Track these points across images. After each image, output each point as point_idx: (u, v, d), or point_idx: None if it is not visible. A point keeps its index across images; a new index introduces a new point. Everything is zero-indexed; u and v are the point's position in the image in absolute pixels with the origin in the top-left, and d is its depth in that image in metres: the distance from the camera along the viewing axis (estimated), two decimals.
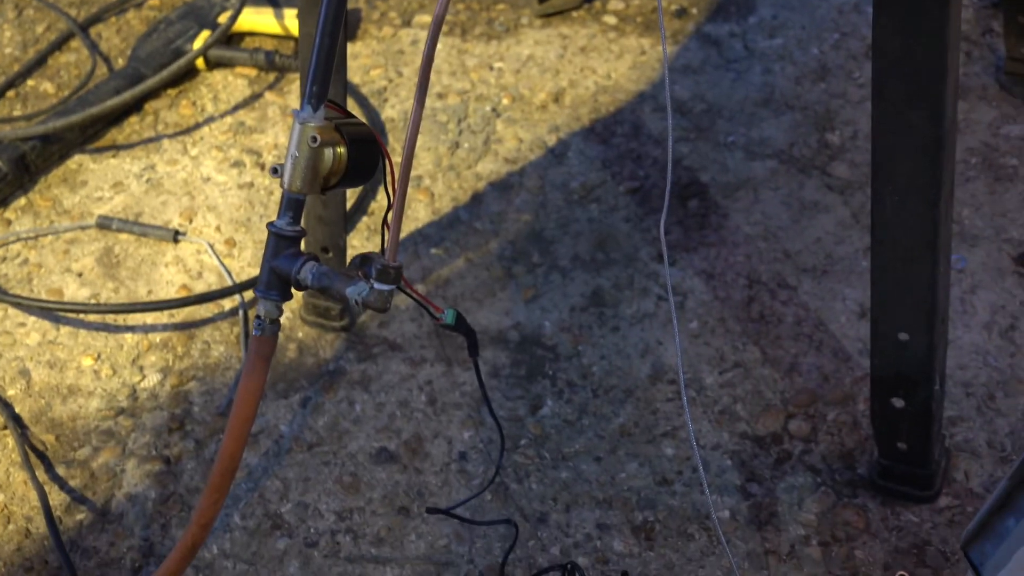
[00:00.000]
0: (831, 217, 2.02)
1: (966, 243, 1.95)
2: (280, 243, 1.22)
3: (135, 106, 2.33)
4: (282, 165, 1.20)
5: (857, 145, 2.15)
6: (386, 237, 1.25)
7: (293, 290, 1.26)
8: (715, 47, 2.42)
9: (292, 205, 1.21)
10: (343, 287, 1.20)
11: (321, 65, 1.19)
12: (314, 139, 1.18)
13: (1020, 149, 2.12)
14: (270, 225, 1.22)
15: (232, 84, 2.38)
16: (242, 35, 2.52)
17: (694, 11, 2.52)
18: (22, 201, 2.15)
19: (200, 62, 2.39)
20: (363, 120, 2.27)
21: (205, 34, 2.40)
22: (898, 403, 1.52)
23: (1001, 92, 2.24)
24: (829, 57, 2.37)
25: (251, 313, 1.92)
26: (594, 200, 2.09)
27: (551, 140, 2.21)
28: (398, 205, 1.20)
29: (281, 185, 1.21)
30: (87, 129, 2.25)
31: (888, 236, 1.42)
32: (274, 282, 1.22)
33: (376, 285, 1.19)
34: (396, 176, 1.28)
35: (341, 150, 1.22)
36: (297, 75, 2.39)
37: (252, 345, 1.25)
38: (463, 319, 1.37)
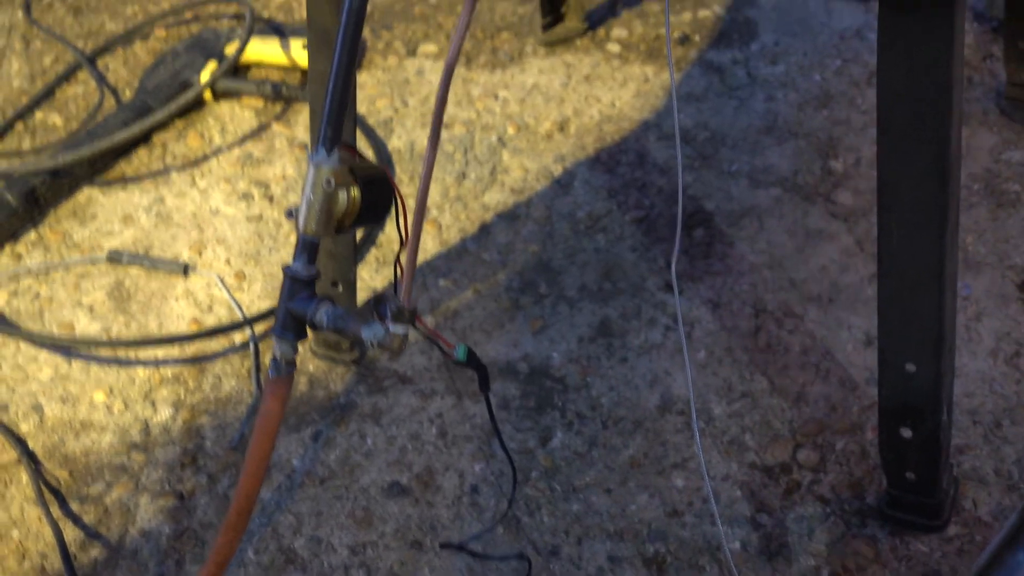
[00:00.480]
0: (835, 245, 2.04)
1: (970, 270, 1.96)
2: (295, 286, 1.23)
3: (143, 138, 2.34)
4: (297, 208, 1.22)
5: (860, 172, 2.17)
6: (399, 276, 1.27)
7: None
8: (718, 74, 2.44)
9: (307, 247, 1.23)
10: (358, 329, 1.21)
11: (335, 109, 1.21)
12: (329, 182, 1.20)
13: (1022, 175, 2.14)
14: (286, 268, 1.24)
15: (239, 115, 2.40)
16: (248, 66, 2.54)
17: (696, 38, 2.54)
18: (32, 235, 2.16)
19: (207, 93, 2.41)
20: (372, 155, 2.29)
21: (212, 65, 2.42)
22: (906, 433, 1.53)
23: (1002, 117, 2.26)
24: (831, 83, 2.39)
25: (262, 346, 1.94)
26: (600, 230, 2.10)
27: (557, 170, 2.23)
28: (411, 248, 1.22)
29: (296, 228, 1.23)
30: (96, 162, 2.27)
31: (894, 268, 1.43)
32: (290, 323, 1.24)
33: (391, 327, 1.21)
34: (407, 214, 1.30)
35: (355, 192, 1.24)
36: (303, 105, 2.40)
37: (268, 387, 1.27)
38: (474, 355, 1.38)
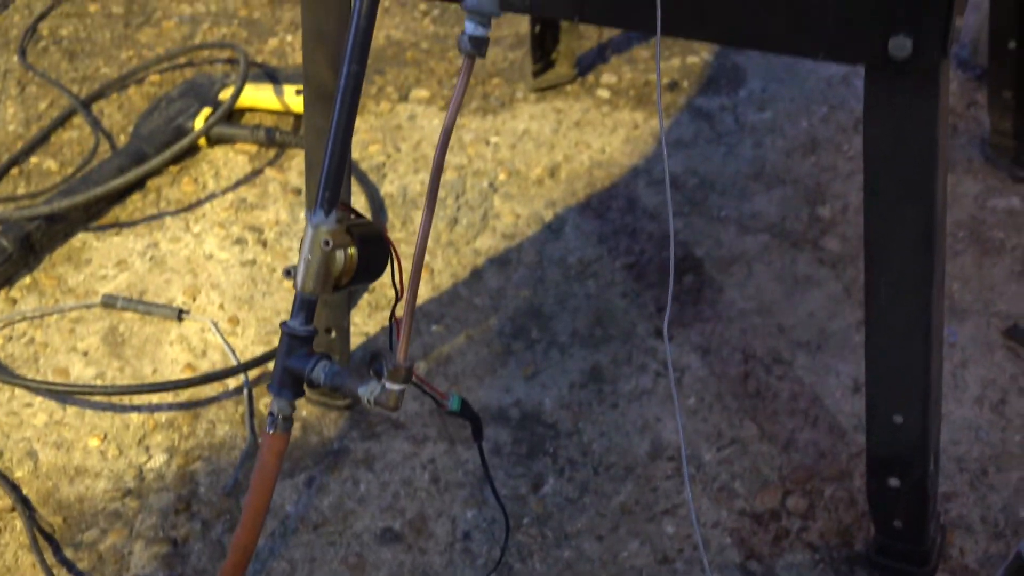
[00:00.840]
0: (823, 291, 2.07)
1: (955, 317, 1.99)
2: (293, 343, 1.25)
3: (138, 183, 2.36)
4: (295, 267, 1.24)
5: (847, 219, 2.20)
6: (395, 332, 1.29)
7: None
8: (706, 120, 2.47)
9: (305, 306, 1.25)
10: (355, 387, 1.24)
11: (333, 170, 1.23)
12: (327, 243, 1.22)
13: (1006, 222, 2.17)
14: (283, 325, 1.26)
15: (233, 160, 2.42)
16: (241, 111, 2.56)
17: (685, 84, 2.58)
18: (27, 280, 2.18)
19: (201, 139, 2.43)
20: (364, 201, 2.31)
21: (206, 111, 2.45)
22: (894, 482, 1.55)
23: (987, 165, 2.29)
24: (818, 130, 2.42)
25: (256, 392, 1.95)
26: (591, 275, 2.13)
27: (547, 215, 2.26)
28: (408, 307, 1.24)
29: (294, 287, 1.25)
30: (91, 208, 2.29)
31: (882, 323, 1.46)
32: (287, 381, 1.26)
33: (387, 385, 1.23)
34: (402, 268, 1.32)
35: (352, 251, 1.26)
36: (297, 151, 2.43)
37: (265, 442, 1.29)
38: (468, 405, 1.40)
